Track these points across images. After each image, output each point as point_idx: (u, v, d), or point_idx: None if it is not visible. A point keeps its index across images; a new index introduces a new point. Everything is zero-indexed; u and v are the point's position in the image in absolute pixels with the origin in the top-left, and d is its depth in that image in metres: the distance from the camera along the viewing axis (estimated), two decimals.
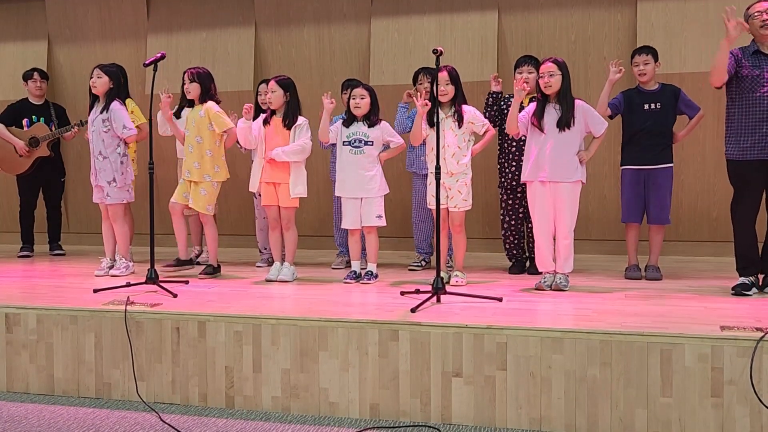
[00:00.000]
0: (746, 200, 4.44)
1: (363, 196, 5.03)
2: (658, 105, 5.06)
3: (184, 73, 5.37)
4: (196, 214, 5.65)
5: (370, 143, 5.03)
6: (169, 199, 5.49)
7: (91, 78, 5.44)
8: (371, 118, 5.05)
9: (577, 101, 4.67)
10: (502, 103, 5.46)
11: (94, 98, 5.50)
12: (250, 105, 5.08)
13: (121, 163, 5.47)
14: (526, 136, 4.80)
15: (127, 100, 5.81)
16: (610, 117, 5.13)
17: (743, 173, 4.42)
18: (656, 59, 5.11)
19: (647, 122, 5.05)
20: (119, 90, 5.56)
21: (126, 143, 5.51)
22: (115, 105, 5.43)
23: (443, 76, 4.85)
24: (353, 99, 5.05)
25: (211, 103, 5.32)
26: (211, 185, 5.32)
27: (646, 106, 5.07)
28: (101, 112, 5.42)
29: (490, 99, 5.47)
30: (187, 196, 5.34)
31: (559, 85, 4.61)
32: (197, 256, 6.15)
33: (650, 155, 5.04)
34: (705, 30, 6.09)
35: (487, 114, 5.42)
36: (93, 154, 5.47)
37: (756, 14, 4.38)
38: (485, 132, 5.03)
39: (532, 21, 6.54)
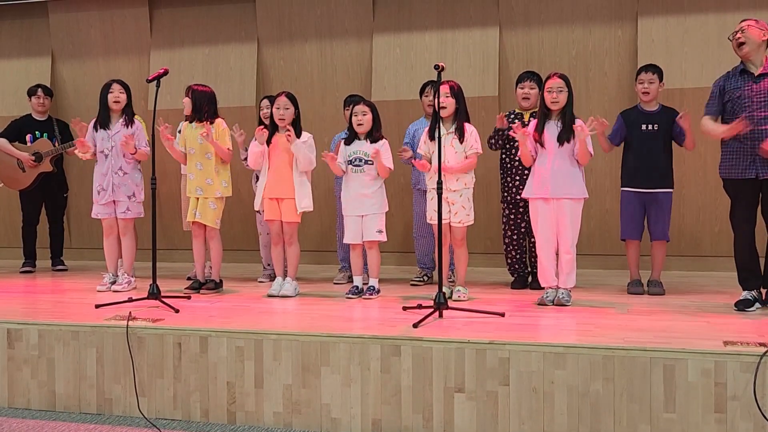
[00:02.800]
0: (742, 210, 4.46)
1: (363, 213, 5.04)
2: (656, 126, 5.05)
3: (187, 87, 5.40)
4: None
5: (370, 162, 5.04)
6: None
7: (112, 92, 5.45)
8: (374, 134, 5.07)
9: (578, 120, 4.68)
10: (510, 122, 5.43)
11: (106, 113, 5.50)
12: (262, 128, 5.11)
13: (140, 178, 5.54)
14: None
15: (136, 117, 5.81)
16: (616, 144, 5.16)
17: (734, 188, 4.48)
18: (661, 79, 5.11)
19: (644, 143, 5.05)
20: (131, 105, 5.60)
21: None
22: (139, 124, 5.54)
23: (444, 88, 4.85)
24: (355, 116, 5.07)
25: (220, 120, 5.36)
26: (220, 200, 5.34)
27: (644, 127, 5.06)
28: (124, 127, 5.45)
29: (496, 136, 5.39)
30: (194, 212, 5.32)
31: (565, 101, 4.62)
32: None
33: (651, 180, 5.04)
34: (705, 45, 6.11)
35: (492, 142, 5.41)
36: (111, 170, 5.44)
37: (733, 34, 4.44)
38: (469, 156, 4.91)
39: (533, 37, 6.57)
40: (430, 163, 4.93)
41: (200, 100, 5.30)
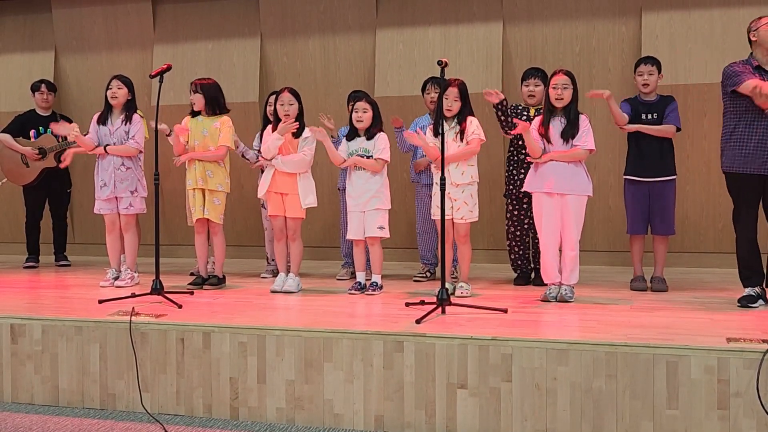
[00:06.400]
0: (747, 211, 4.43)
1: (365, 209, 5.03)
2: (655, 115, 5.06)
3: (191, 83, 5.39)
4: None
5: (370, 157, 5.03)
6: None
7: (110, 89, 5.47)
8: (371, 131, 5.05)
9: (582, 115, 4.67)
10: (510, 111, 5.37)
11: (108, 109, 5.52)
12: (292, 120, 5.02)
13: (141, 174, 5.55)
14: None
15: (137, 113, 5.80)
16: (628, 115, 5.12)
17: (741, 186, 4.42)
18: (660, 70, 5.11)
19: (645, 132, 5.05)
20: (135, 101, 5.60)
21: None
22: (137, 118, 5.53)
23: (453, 91, 4.84)
24: (356, 112, 5.05)
25: (228, 117, 5.37)
26: (223, 195, 5.35)
27: (644, 116, 5.07)
28: (124, 123, 5.46)
29: (498, 113, 5.30)
30: (202, 209, 5.32)
31: (570, 97, 4.61)
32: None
33: (653, 168, 5.04)
34: (709, 41, 6.10)
35: (503, 125, 5.37)
36: (112, 165, 5.45)
37: (750, 26, 4.42)
38: (470, 141, 4.88)
39: (536, 32, 6.56)
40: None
41: (210, 93, 5.33)
